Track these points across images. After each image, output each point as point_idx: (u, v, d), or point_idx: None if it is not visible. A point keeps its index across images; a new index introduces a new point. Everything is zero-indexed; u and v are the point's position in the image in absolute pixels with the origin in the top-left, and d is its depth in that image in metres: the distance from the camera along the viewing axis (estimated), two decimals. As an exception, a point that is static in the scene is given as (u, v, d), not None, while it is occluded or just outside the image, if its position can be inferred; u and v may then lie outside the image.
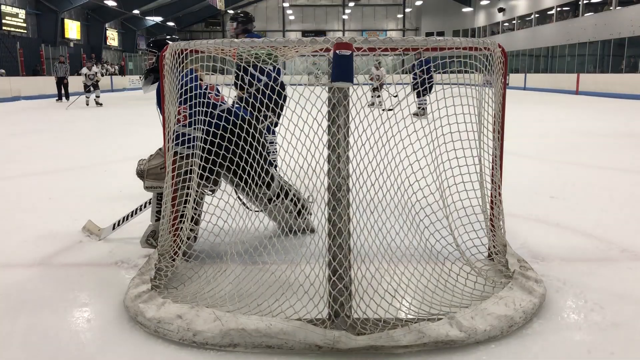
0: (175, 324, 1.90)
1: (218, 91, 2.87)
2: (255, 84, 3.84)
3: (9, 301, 2.27)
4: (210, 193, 2.69)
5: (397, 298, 2.18)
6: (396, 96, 2.24)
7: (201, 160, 2.44)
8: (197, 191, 2.61)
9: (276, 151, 4.33)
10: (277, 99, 3.18)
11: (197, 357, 1.81)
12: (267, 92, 2.41)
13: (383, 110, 2.20)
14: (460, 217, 2.46)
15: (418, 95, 9.98)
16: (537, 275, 2.28)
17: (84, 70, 15.29)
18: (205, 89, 2.66)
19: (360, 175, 2.08)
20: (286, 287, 2.19)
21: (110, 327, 2.03)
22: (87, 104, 15.29)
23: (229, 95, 2.81)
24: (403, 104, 2.14)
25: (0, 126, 10.31)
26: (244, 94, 4.02)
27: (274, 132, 4.32)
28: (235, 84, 4.25)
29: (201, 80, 2.72)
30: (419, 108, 10.09)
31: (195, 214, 2.64)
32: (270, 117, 3.54)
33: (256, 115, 2.82)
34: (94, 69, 15.29)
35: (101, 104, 15.36)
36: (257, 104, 3.68)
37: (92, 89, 15.30)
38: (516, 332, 1.94)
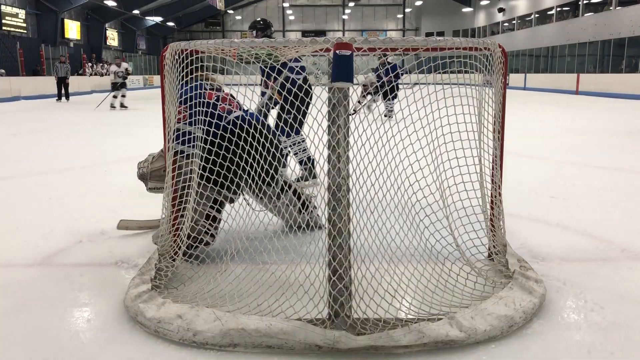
0: (175, 324, 1.90)
1: (232, 97, 2.81)
2: (288, 86, 3.85)
3: (9, 301, 2.27)
4: (230, 202, 2.65)
5: (397, 298, 2.18)
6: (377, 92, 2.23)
7: (222, 169, 2.41)
8: (216, 199, 2.59)
9: (306, 149, 4.32)
10: (305, 97, 3.18)
11: (197, 357, 1.81)
12: (301, 94, 2.40)
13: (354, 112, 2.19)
14: (460, 217, 2.46)
15: (384, 98, 10.02)
16: (537, 275, 2.28)
17: (113, 68, 14.23)
18: (217, 100, 2.61)
19: (360, 175, 2.08)
20: (286, 287, 2.18)
21: (110, 327, 2.03)
22: (113, 106, 14.09)
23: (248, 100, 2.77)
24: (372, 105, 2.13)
25: (1, 126, 10.31)
26: (280, 96, 4.00)
27: (299, 132, 4.31)
28: (266, 86, 4.26)
29: (212, 88, 2.66)
30: (388, 110, 10.14)
31: (217, 216, 2.63)
32: (298, 117, 3.55)
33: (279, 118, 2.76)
34: (124, 64, 14.21)
35: (126, 107, 14.28)
36: (287, 106, 3.68)
37: (120, 87, 14.13)
38: (516, 332, 1.94)
